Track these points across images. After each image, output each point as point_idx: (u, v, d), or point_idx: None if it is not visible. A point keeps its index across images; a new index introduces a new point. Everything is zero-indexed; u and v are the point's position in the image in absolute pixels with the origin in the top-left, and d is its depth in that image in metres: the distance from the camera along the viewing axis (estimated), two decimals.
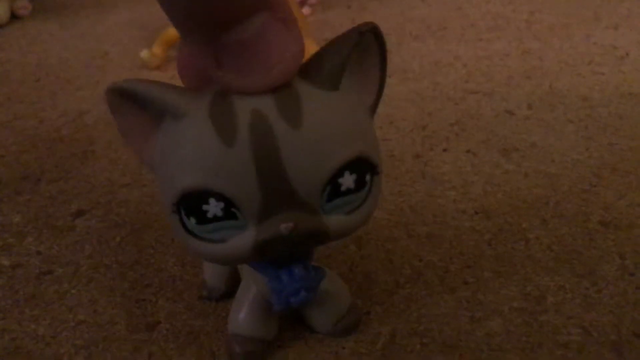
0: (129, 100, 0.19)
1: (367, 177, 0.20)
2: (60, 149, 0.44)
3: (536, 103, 0.49)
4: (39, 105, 0.51)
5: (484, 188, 0.37)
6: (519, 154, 0.41)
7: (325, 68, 0.19)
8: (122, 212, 0.36)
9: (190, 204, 0.19)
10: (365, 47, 0.19)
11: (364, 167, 0.19)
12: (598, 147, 0.42)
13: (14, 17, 0.81)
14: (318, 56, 0.20)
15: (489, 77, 0.54)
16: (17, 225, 0.35)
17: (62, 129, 0.47)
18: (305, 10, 0.72)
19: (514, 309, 0.28)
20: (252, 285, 0.24)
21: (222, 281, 0.28)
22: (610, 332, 0.26)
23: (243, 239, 0.19)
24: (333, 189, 0.19)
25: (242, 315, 0.25)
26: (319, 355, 0.26)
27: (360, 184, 0.19)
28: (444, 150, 0.42)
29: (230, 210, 0.19)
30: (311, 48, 0.60)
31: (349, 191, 0.19)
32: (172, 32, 0.59)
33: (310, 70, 0.19)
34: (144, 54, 0.58)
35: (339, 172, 0.19)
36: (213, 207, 0.18)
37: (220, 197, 0.18)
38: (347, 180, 0.19)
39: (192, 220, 0.19)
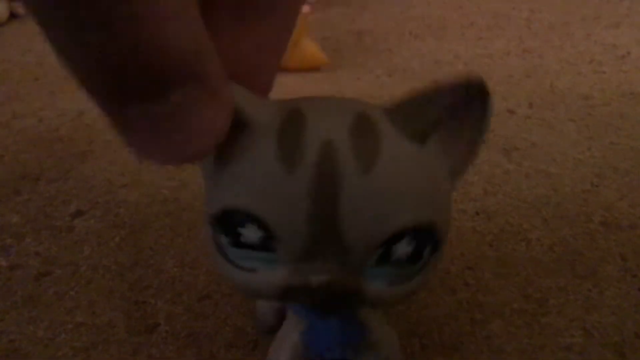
0: None
1: (426, 251, 0.17)
2: (59, 149, 0.44)
3: (537, 102, 0.49)
4: (37, 104, 0.51)
5: (485, 188, 0.37)
6: (520, 153, 0.41)
7: (418, 115, 0.16)
8: (121, 212, 0.36)
9: (229, 223, 0.17)
10: (466, 104, 0.17)
11: (427, 238, 0.17)
12: (599, 147, 0.42)
13: (13, 16, 0.81)
14: (415, 100, 0.17)
15: (489, 76, 0.54)
16: (15, 225, 0.35)
17: (61, 128, 0.47)
18: (305, 8, 0.72)
19: (515, 310, 0.28)
20: (293, 328, 0.22)
21: (271, 314, 0.26)
22: (612, 334, 0.26)
23: (273, 276, 0.17)
24: (384, 254, 0.17)
25: (282, 357, 0.22)
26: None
27: (416, 257, 0.17)
28: None
29: (268, 242, 0.16)
30: (309, 46, 0.59)
31: (399, 261, 0.16)
32: None
33: (401, 112, 0.17)
34: None
35: (399, 236, 0.16)
36: (251, 234, 0.16)
37: (261, 224, 0.16)
38: (404, 248, 0.16)
39: (225, 240, 0.17)
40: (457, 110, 0.17)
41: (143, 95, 0.13)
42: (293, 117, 0.16)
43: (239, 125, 0.16)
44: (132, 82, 0.12)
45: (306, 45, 0.56)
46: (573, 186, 0.37)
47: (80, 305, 0.29)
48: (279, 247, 0.16)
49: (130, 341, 0.27)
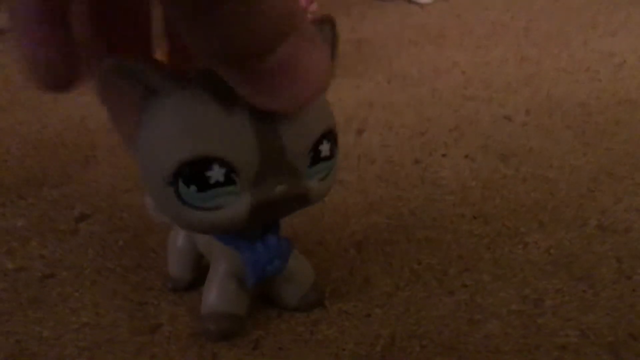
0: (121, 77, 0.19)
1: (335, 148, 0.23)
2: (63, 154, 0.44)
3: (534, 109, 0.49)
4: (41, 110, 0.52)
5: (483, 192, 0.38)
6: (517, 159, 0.42)
7: None
8: (124, 216, 0.36)
9: (192, 172, 0.20)
10: (325, 38, 0.22)
11: (334, 138, 0.23)
12: (595, 153, 0.42)
13: None
14: None
15: (488, 83, 0.55)
16: (20, 229, 0.35)
17: (64, 134, 0.47)
18: None
19: (512, 311, 0.28)
20: (222, 264, 0.26)
21: (187, 272, 0.30)
22: (607, 334, 0.27)
23: (240, 204, 0.21)
24: (315, 155, 0.22)
25: (214, 293, 0.26)
26: (319, 357, 0.26)
27: (332, 153, 0.22)
28: (443, 155, 0.43)
29: (230, 176, 0.20)
30: None
31: (325, 158, 0.22)
32: None
33: None
34: None
35: (320, 140, 0.22)
36: (216, 173, 0.20)
37: (222, 162, 0.20)
38: (325, 148, 0.22)
39: (192, 188, 0.20)
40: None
41: (262, 54, 0.17)
42: (214, 73, 0.20)
43: (164, 91, 0.19)
44: (251, 49, 0.16)
45: None
46: (569, 191, 0.38)
47: (84, 306, 0.29)
48: (240, 177, 0.20)
49: (134, 341, 0.27)
